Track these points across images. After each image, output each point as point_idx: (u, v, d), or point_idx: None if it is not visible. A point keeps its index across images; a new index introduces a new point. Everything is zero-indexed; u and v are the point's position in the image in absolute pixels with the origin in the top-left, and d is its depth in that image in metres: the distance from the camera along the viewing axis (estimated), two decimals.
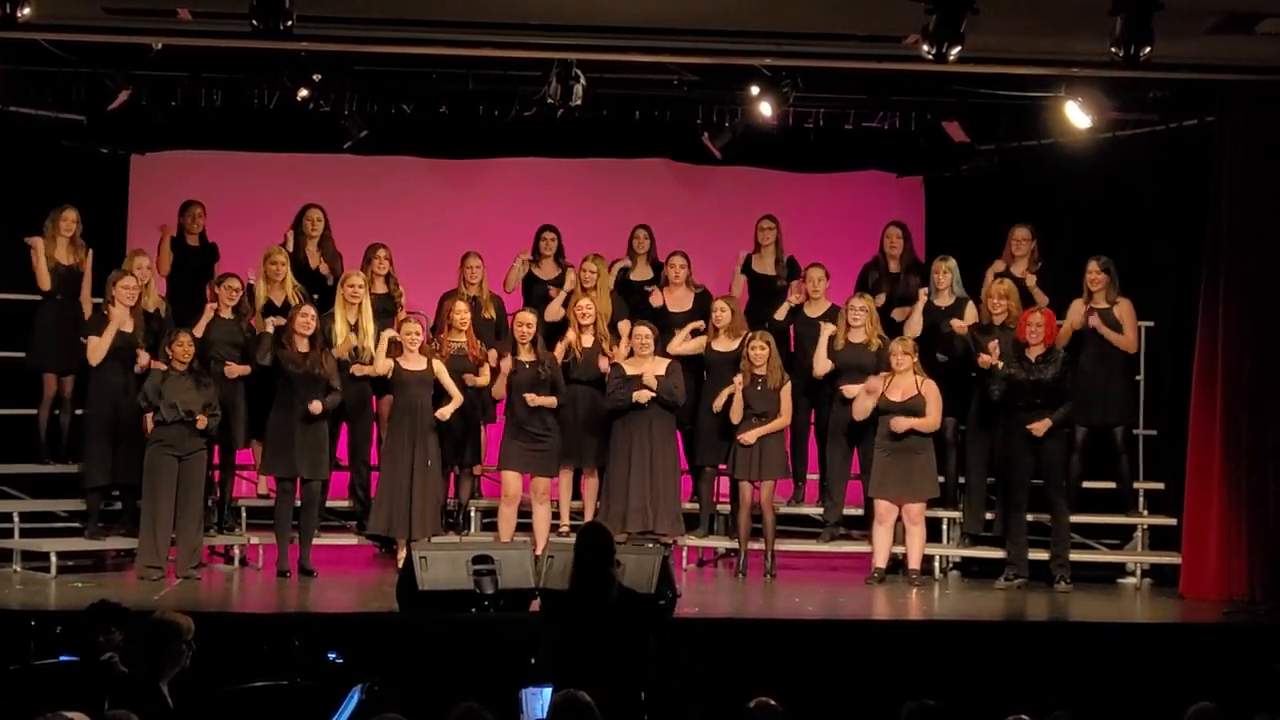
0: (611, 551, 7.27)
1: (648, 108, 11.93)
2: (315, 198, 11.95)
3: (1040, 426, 10.55)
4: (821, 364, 11.27)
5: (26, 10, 7.98)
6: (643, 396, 10.95)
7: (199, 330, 10.81)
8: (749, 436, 10.92)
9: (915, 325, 11.46)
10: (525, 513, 11.14)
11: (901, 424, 10.74)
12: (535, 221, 12.13)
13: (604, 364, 11.22)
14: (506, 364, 10.99)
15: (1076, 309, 11.23)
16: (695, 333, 11.53)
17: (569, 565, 8.97)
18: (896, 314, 11.69)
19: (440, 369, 10.87)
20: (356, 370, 11.00)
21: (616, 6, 8.87)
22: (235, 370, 10.87)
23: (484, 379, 11.14)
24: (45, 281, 11.17)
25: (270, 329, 10.87)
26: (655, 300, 11.76)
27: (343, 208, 12.07)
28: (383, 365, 10.90)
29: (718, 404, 11.12)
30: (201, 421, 10.35)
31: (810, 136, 12.09)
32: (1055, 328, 10.99)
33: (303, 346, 10.69)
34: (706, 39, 9.47)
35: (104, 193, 12.31)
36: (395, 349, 10.95)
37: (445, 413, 10.77)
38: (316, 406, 10.56)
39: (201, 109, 11.58)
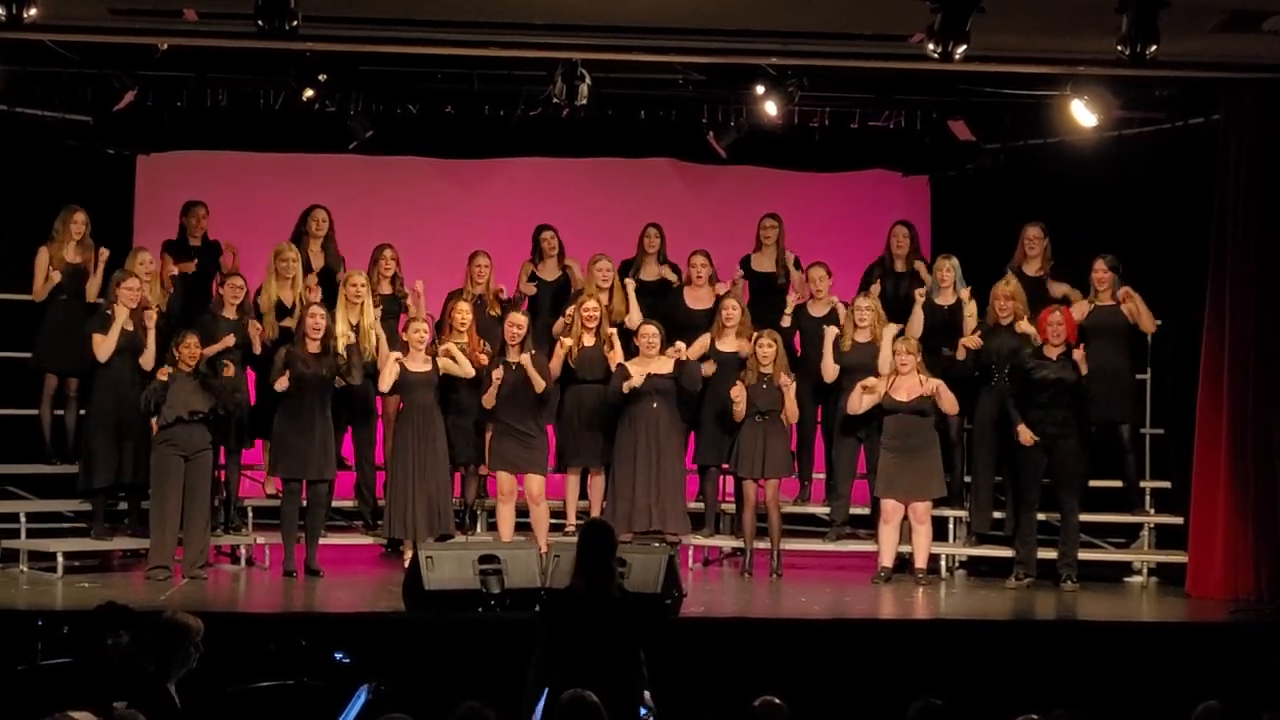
0: (614, 547, 7.27)
1: (653, 107, 11.93)
2: (321, 198, 11.96)
3: (1026, 436, 10.64)
4: (829, 369, 11.27)
5: (33, 11, 8.01)
6: (636, 382, 10.94)
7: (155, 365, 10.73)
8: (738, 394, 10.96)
9: (916, 325, 11.45)
10: (524, 511, 11.15)
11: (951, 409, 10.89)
12: (540, 221, 12.13)
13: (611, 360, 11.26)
14: (498, 374, 10.98)
15: (1081, 309, 11.22)
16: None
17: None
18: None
19: (446, 355, 10.87)
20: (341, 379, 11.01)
21: (621, 6, 8.88)
22: (216, 348, 10.77)
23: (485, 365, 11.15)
24: (42, 292, 11.16)
25: (283, 354, 10.73)
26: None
27: (348, 208, 12.08)
28: (387, 382, 10.89)
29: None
30: (163, 374, 10.32)
31: (815, 135, 12.09)
32: (1075, 325, 10.98)
33: (314, 349, 10.68)
34: (712, 38, 9.47)
35: (110, 193, 12.30)
36: (403, 348, 11.00)
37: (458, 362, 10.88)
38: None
39: (207, 109, 11.57)
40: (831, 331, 11.20)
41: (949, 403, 10.89)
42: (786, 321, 11.55)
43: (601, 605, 7.03)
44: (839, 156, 12.68)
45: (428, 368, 10.88)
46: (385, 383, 10.88)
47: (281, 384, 10.56)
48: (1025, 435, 10.65)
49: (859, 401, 10.94)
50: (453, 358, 10.97)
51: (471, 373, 10.96)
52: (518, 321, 11.14)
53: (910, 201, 13.04)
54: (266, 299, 11.27)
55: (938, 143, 12.28)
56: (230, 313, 11.04)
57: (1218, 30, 8.84)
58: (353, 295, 11.12)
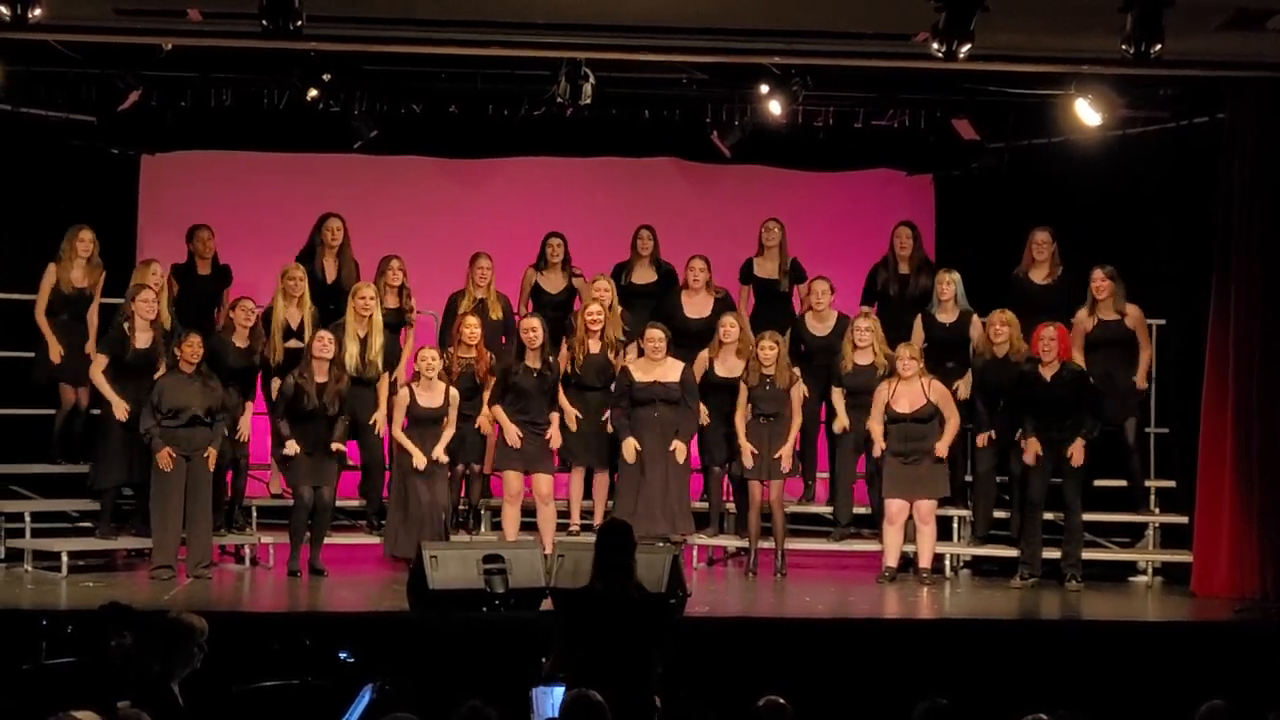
0: (631, 547, 7.27)
1: (657, 107, 11.92)
2: (325, 197, 11.97)
3: (1078, 454, 10.59)
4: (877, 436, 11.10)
5: (37, 11, 8.01)
6: (629, 456, 10.92)
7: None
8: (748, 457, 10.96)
9: (918, 341, 11.45)
10: (532, 512, 11.15)
11: (943, 450, 10.83)
12: (543, 221, 12.12)
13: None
14: (492, 429, 11.01)
15: (1081, 320, 11.20)
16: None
17: (579, 564, 9.05)
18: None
19: (454, 402, 10.85)
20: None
21: (625, 5, 8.88)
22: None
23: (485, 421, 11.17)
24: (40, 316, 11.09)
25: (290, 384, 10.67)
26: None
27: (352, 208, 12.06)
28: (397, 422, 10.85)
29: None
30: (164, 460, 10.30)
31: (820, 135, 12.09)
32: (1069, 341, 10.96)
33: (321, 375, 10.64)
34: (715, 37, 9.47)
35: (114, 193, 12.32)
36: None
37: (440, 451, 10.79)
38: (339, 448, 10.68)
39: (211, 109, 11.58)
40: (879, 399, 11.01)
41: (946, 437, 10.87)
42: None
43: (619, 606, 7.04)
44: (843, 156, 12.67)
45: (438, 402, 10.79)
46: (396, 425, 10.83)
47: (291, 449, 10.57)
48: (1030, 454, 10.66)
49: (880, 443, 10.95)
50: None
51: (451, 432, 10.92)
52: (533, 326, 11.08)
53: (914, 201, 13.03)
54: (275, 320, 11.20)
55: (942, 142, 12.27)
56: (241, 339, 11.00)
57: (1222, 29, 8.83)
58: (361, 308, 11.06)
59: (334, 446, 10.66)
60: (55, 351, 11.06)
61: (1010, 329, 11.02)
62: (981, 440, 11.14)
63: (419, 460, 10.65)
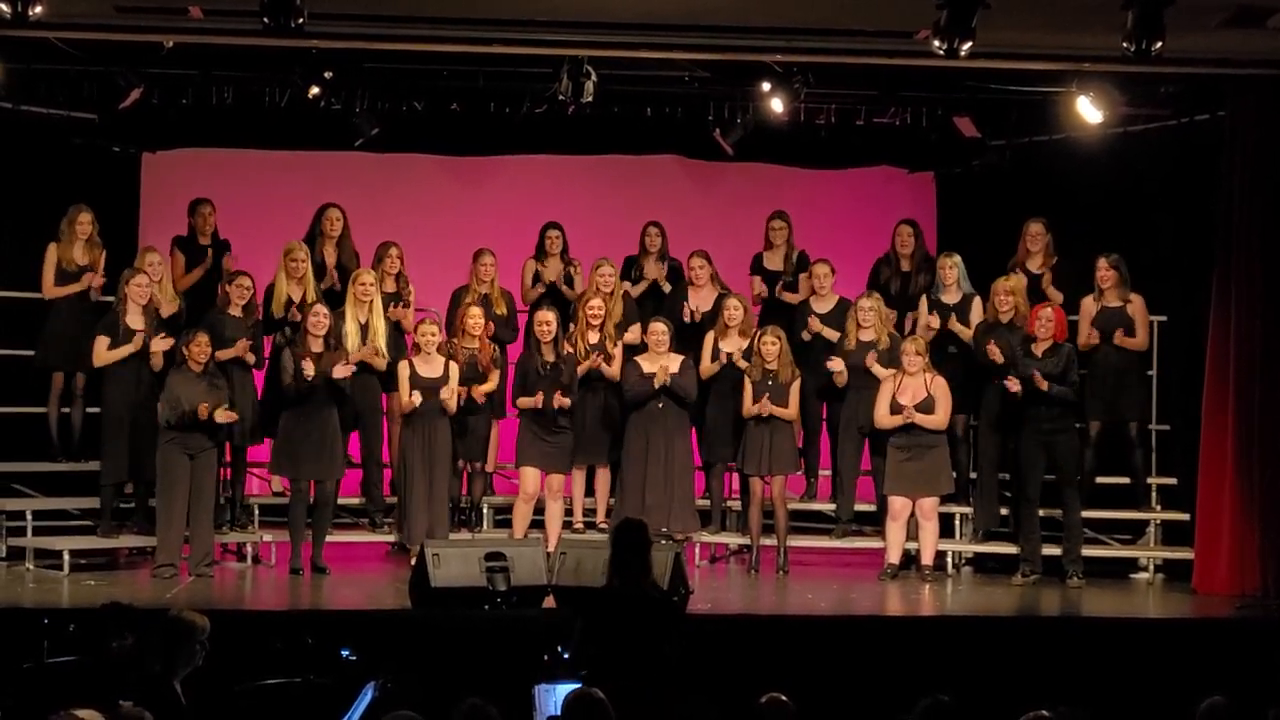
0: (646, 545, 7.29)
1: (659, 104, 11.92)
2: (326, 195, 11.96)
3: (1013, 383, 10.55)
4: (883, 418, 11.08)
5: (38, 9, 8.01)
6: (663, 375, 10.94)
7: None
8: (763, 407, 10.90)
9: (924, 327, 11.45)
10: (538, 509, 11.17)
11: (913, 417, 10.76)
12: (546, 218, 12.12)
13: (614, 364, 11.23)
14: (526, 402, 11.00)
15: (1088, 307, 11.22)
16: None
17: (581, 561, 9.08)
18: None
19: (455, 374, 10.87)
20: (357, 357, 10.91)
21: (628, 3, 8.89)
22: (229, 354, 10.78)
23: (491, 385, 11.16)
24: (50, 290, 11.15)
25: (288, 355, 10.68)
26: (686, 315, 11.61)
27: (354, 205, 12.07)
28: (404, 396, 10.86)
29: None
30: (204, 411, 10.26)
31: (821, 132, 12.09)
32: (1065, 324, 10.98)
33: (316, 348, 10.68)
34: (718, 35, 9.47)
35: (115, 191, 12.30)
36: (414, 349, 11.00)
37: (450, 402, 10.83)
38: (342, 370, 10.58)
39: (213, 107, 11.58)
40: (887, 384, 11.03)
41: (937, 417, 10.85)
42: (807, 337, 11.48)
43: (636, 603, 7.07)
44: (845, 153, 12.68)
45: (438, 372, 10.86)
46: (404, 399, 10.85)
47: (309, 368, 10.51)
48: (1013, 384, 10.59)
49: (888, 420, 10.91)
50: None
51: (452, 410, 10.94)
52: (547, 320, 11.11)
53: (916, 198, 13.05)
54: (278, 298, 11.25)
55: (943, 139, 12.28)
56: (235, 311, 11.03)
57: (1223, 26, 8.84)
58: (361, 294, 11.10)
59: (336, 372, 10.55)
60: (96, 279, 11.09)
61: (1015, 297, 11.04)
62: (963, 334, 11.22)
63: (413, 399, 10.69)
